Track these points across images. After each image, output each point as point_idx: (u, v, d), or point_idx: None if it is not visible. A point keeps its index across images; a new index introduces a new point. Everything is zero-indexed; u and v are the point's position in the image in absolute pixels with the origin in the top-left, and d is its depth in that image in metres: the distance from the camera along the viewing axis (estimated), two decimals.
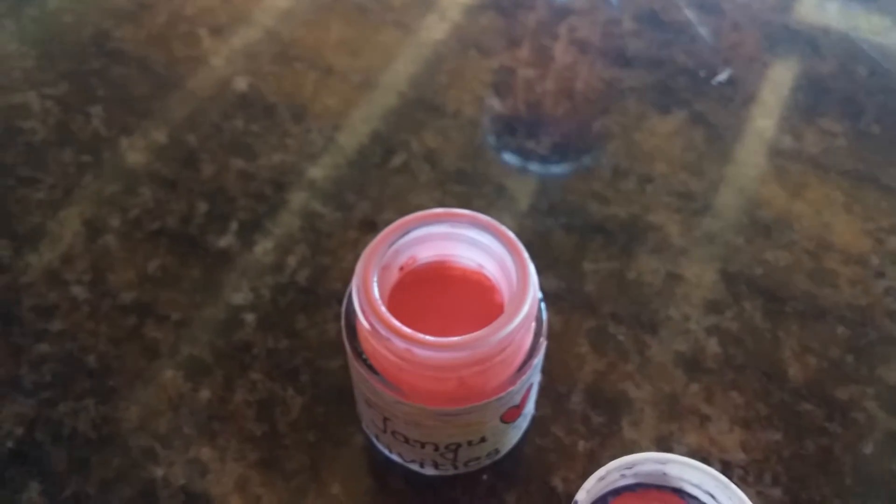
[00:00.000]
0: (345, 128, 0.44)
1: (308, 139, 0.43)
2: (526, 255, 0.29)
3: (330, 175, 0.42)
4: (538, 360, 0.29)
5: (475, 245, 0.31)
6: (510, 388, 0.28)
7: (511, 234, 0.29)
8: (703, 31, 0.48)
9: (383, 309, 0.27)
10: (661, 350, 0.36)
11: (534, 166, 0.43)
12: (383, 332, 0.27)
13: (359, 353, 0.29)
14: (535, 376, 0.30)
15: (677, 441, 0.34)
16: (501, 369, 0.28)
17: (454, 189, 0.42)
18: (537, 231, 0.40)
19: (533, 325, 0.29)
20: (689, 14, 0.49)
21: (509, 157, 0.43)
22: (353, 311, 0.28)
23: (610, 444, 0.33)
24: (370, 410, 0.30)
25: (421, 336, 0.27)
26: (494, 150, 0.44)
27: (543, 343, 0.29)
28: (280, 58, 0.47)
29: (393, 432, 0.30)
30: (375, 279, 0.28)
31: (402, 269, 0.31)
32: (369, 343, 0.28)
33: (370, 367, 0.29)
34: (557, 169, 0.43)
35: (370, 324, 0.27)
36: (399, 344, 0.27)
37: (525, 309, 0.27)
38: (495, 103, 0.46)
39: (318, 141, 0.43)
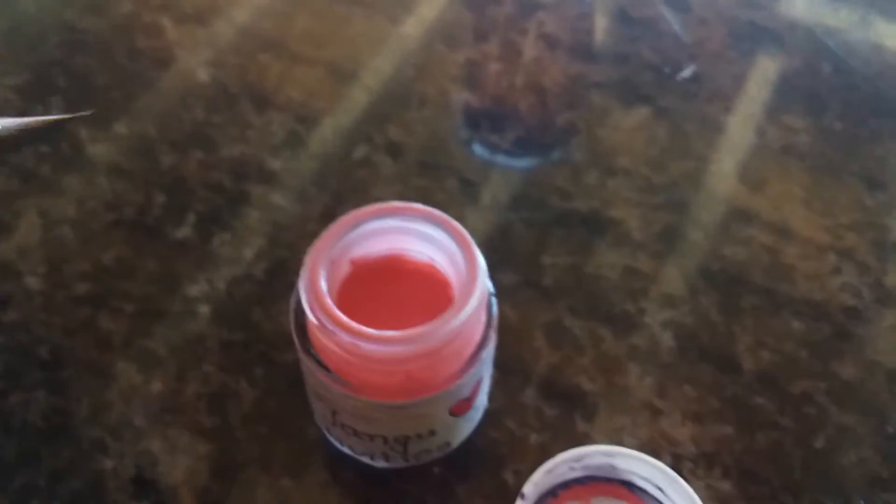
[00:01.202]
0: (307, 120, 0.44)
1: (269, 131, 0.43)
2: (475, 249, 0.29)
3: (291, 167, 0.42)
4: (487, 353, 0.29)
5: (426, 239, 0.30)
6: (458, 381, 0.28)
7: (461, 229, 0.29)
8: (677, 26, 0.48)
9: (329, 303, 0.27)
10: (616, 344, 0.36)
11: (497, 160, 0.43)
12: (329, 326, 0.27)
13: (307, 348, 0.29)
14: (485, 370, 0.30)
15: (629, 434, 0.34)
16: (449, 363, 0.28)
17: (416, 182, 0.42)
18: (498, 225, 0.40)
19: (483, 318, 0.29)
20: (664, 10, 0.49)
21: (473, 151, 0.43)
22: (302, 307, 0.28)
23: (562, 438, 0.34)
24: (320, 403, 0.30)
25: (367, 330, 0.27)
26: (458, 144, 0.44)
27: (493, 337, 0.29)
28: (244, 49, 0.47)
29: (342, 425, 0.30)
30: (323, 273, 0.28)
31: (353, 262, 0.31)
32: (317, 337, 0.28)
33: (318, 362, 0.29)
34: (521, 163, 0.43)
35: (317, 318, 0.27)
36: (345, 338, 0.27)
37: (472, 303, 0.27)
38: (461, 97, 0.46)
39: (279, 133, 0.43)
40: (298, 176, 0.42)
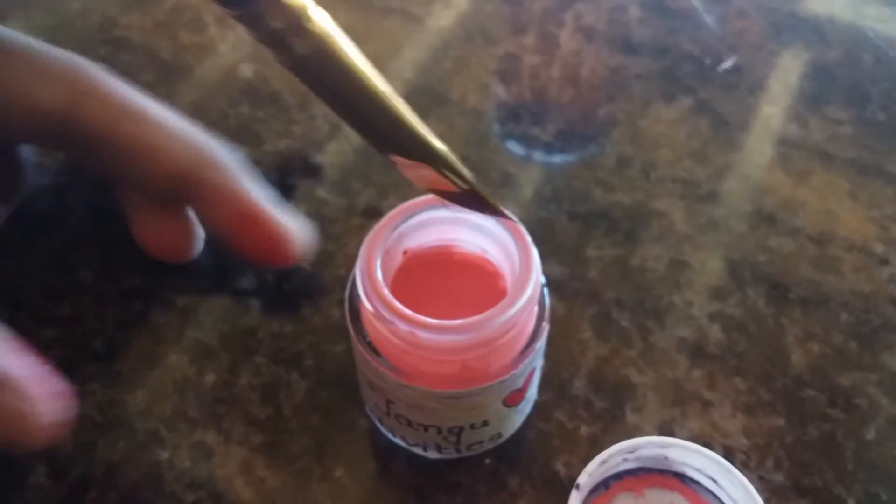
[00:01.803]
0: None
1: (313, 126, 0.44)
2: (528, 238, 0.29)
3: (335, 162, 0.42)
4: (541, 343, 0.29)
5: (478, 229, 0.31)
6: (513, 372, 0.28)
7: (514, 218, 0.29)
8: (709, 18, 0.48)
9: (387, 292, 0.28)
10: (664, 336, 0.36)
11: (538, 154, 0.43)
12: (387, 315, 0.27)
13: (362, 337, 0.29)
14: (537, 360, 0.30)
15: (680, 426, 0.34)
16: (504, 353, 0.28)
17: None
18: (541, 218, 0.40)
19: (535, 309, 0.29)
20: (696, 2, 0.49)
21: (514, 145, 0.43)
22: (357, 295, 0.28)
23: (612, 430, 0.34)
24: (373, 394, 0.31)
25: (424, 319, 0.27)
26: (499, 138, 0.44)
27: (546, 327, 0.30)
28: None
29: (396, 416, 0.30)
30: (379, 262, 0.28)
31: (405, 253, 0.31)
32: (373, 327, 0.29)
33: (374, 351, 0.29)
34: (562, 156, 0.43)
35: (374, 307, 0.27)
36: (402, 327, 0.27)
37: (528, 292, 0.28)
38: (500, 91, 0.46)
39: (323, 128, 0.43)
40: (342, 170, 0.42)
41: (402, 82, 0.45)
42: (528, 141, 0.43)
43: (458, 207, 0.29)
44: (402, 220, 0.29)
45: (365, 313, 0.29)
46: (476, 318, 0.27)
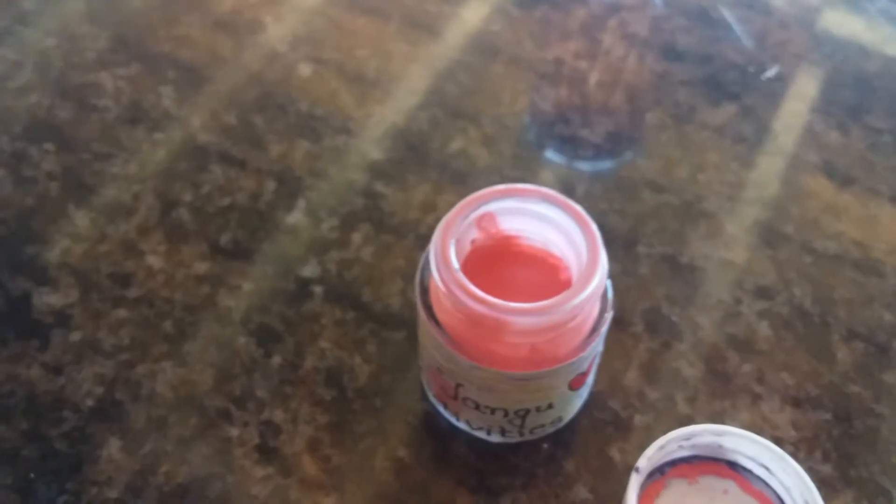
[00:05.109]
0: (404, 113, 0.45)
1: (369, 123, 0.45)
2: (594, 226, 0.30)
3: (391, 158, 0.44)
4: (605, 329, 0.31)
5: (543, 220, 0.32)
6: (581, 355, 0.30)
7: (578, 208, 0.31)
8: (742, 33, 0.49)
9: (461, 275, 0.29)
10: (713, 332, 0.37)
11: (588, 154, 0.44)
12: (462, 296, 0.28)
13: (435, 322, 0.30)
14: (600, 346, 0.32)
15: (730, 417, 0.35)
16: (571, 337, 0.30)
17: (511, 174, 0.43)
18: (592, 216, 0.41)
19: (601, 294, 0.31)
20: (727, 15, 0.50)
21: (564, 146, 0.45)
22: (428, 281, 0.30)
23: (665, 419, 0.35)
24: (441, 377, 0.32)
25: (499, 301, 0.28)
26: (549, 139, 0.45)
27: (610, 314, 0.31)
28: (341, 44, 0.49)
29: (464, 399, 0.32)
30: (453, 247, 0.30)
31: (472, 242, 0.32)
32: (445, 311, 0.30)
33: (446, 334, 0.30)
34: (611, 157, 0.45)
35: (449, 290, 0.29)
36: (478, 308, 0.28)
37: (597, 278, 0.29)
38: (549, 93, 0.47)
39: (379, 125, 0.45)
40: (398, 166, 0.43)
41: (455, 84, 0.47)
42: (577, 142, 0.45)
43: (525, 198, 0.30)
44: (473, 209, 0.31)
45: (438, 298, 0.30)
46: (548, 301, 0.28)
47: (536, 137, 0.45)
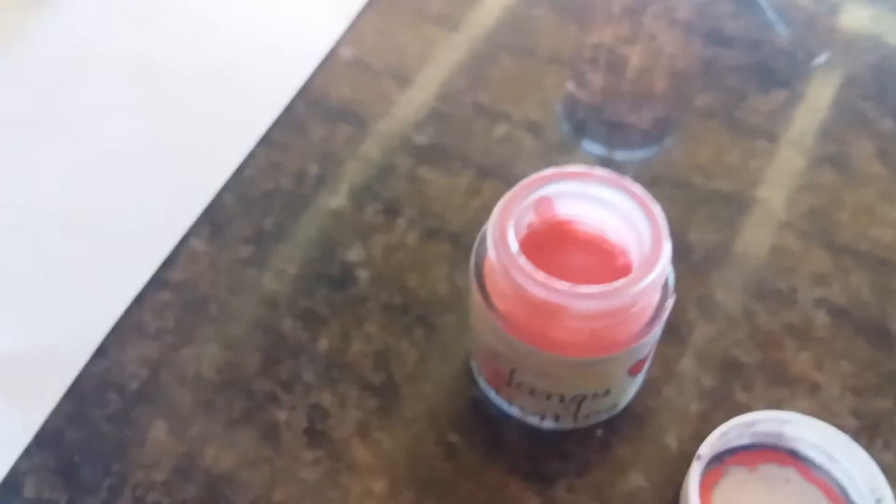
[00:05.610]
0: (448, 98, 0.45)
1: (412, 108, 0.44)
2: (656, 208, 0.29)
3: (435, 143, 0.43)
4: (666, 315, 0.30)
5: (601, 204, 0.31)
6: (643, 340, 0.29)
7: (642, 191, 0.30)
8: (779, 23, 0.48)
9: (522, 258, 0.28)
10: (769, 319, 0.36)
11: (635, 140, 0.44)
12: (521, 280, 0.28)
13: (491, 304, 0.30)
14: (660, 332, 0.31)
15: (789, 406, 0.34)
16: (632, 322, 0.29)
17: (557, 159, 0.42)
18: None
19: (663, 280, 0.30)
20: (767, 8, 0.49)
21: (612, 131, 0.44)
22: (483, 265, 0.29)
23: (722, 407, 0.34)
24: (495, 362, 0.31)
25: (561, 284, 0.27)
26: (596, 124, 0.44)
27: (672, 300, 0.30)
28: (383, 28, 0.48)
29: (519, 384, 0.31)
30: (512, 229, 0.29)
31: (529, 226, 0.32)
32: (503, 295, 0.29)
33: (503, 318, 0.29)
34: (659, 143, 0.44)
35: (509, 272, 0.28)
36: (539, 292, 0.28)
37: (661, 262, 0.28)
38: (596, 78, 0.46)
39: (422, 110, 0.44)
40: (442, 151, 0.43)
41: (501, 69, 0.46)
42: (624, 128, 0.44)
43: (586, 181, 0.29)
44: (533, 189, 0.30)
45: (494, 282, 0.29)
46: (611, 285, 0.27)
47: (582, 123, 0.44)
